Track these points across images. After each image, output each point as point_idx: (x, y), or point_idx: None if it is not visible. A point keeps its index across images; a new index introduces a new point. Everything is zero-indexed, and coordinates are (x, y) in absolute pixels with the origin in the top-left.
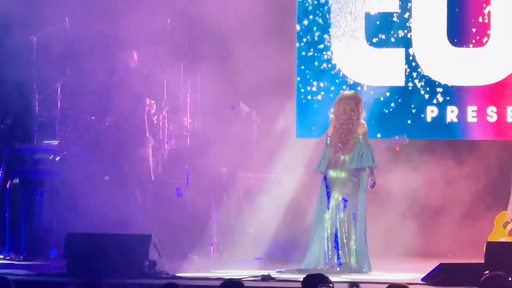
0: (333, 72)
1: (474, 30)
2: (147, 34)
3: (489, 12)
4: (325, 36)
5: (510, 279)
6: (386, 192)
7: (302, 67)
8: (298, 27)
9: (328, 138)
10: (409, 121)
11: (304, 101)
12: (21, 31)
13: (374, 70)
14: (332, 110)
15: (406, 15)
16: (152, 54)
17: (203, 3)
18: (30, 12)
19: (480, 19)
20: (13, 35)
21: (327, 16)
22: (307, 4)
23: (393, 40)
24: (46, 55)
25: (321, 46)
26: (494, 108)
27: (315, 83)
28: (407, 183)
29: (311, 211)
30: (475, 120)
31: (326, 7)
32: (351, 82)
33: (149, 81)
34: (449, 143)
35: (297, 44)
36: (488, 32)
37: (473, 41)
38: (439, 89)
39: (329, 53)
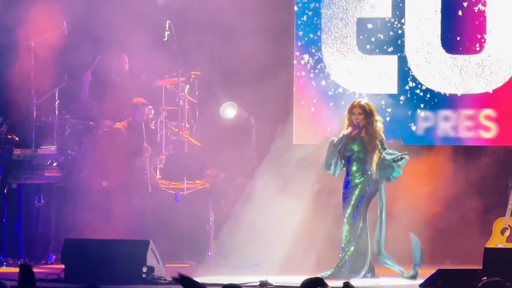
0: (327, 79)
1: (469, 37)
2: (145, 39)
3: (484, 18)
4: (317, 40)
5: (508, 285)
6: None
7: (298, 73)
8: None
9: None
10: (402, 129)
11: (301, 107)
12: (19, 36)
13: (366, 77)
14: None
15: (399, 21)
16: (150, 59)
17: (202, 8)
18: (28, 17)
19: (475, 26)
20: (11, 40)
21: (318, 22)
22: (301, 10)
23: (385, 46)
24: (44, 60)
25: (314, 52)
26: (490, 115)
27: (311, 89)
28: (404, 190)
29: (309, 216)
30: (470, 128)
31: (317, 12)
32: (343, 89)
33: (147, 87)
34: (446, 149)
35: (294, 50)
36: (483, 39)
37: (467, 48)
38: (433, 97)
39: (322, 59)
